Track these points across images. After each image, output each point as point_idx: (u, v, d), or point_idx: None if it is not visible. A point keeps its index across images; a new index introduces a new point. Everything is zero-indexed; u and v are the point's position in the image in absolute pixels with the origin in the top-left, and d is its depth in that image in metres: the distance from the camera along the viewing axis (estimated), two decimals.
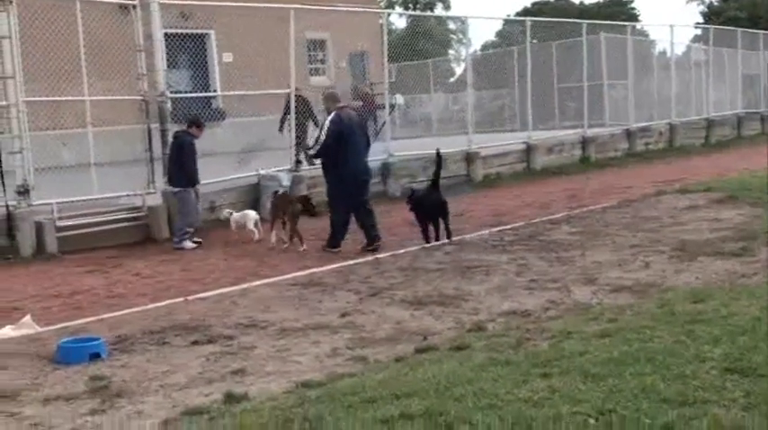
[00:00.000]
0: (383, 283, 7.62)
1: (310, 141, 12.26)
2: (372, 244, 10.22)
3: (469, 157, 17.47)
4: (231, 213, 11.72)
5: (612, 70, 22.71)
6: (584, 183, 16.30)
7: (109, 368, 5.35)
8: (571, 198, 14.11)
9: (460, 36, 45.40)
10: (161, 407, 4.55)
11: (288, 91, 14.61)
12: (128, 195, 12.15)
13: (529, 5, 49.35)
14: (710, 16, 46.61)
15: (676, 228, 9.53)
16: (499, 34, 45.37)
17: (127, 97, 12.77)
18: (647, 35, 28.73)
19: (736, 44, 27.53)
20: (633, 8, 53.73)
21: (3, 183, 11.11)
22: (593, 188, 15.32)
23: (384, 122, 17.70)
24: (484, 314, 6.31)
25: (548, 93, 23.78)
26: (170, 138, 11.98)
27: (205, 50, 20.90)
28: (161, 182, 12.08)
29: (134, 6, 12.13)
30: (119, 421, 4.36)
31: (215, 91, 19.99)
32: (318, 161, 11.04)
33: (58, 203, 11.27)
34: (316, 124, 14.65)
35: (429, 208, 10.30)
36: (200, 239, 11.48)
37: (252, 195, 13.40)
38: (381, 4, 33.50)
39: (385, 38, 16.80)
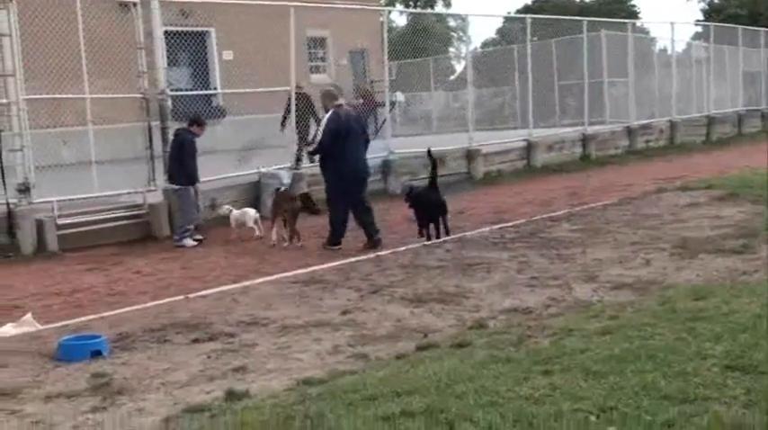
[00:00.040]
0: (384, 281, 7.62)
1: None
2: (372, 241, 10.23)
3: (470, 155, 17.48)
4: (231, 210, 11.72)
5: (613, 67, 22.71)
6: (584, 180, 16.31)
7: (110, 365, 5.35)
8: (572, 195, 14.12)
9: (461, 33, 45.48)
10: (162, 404, 4.55)
11: (288, 88, 14.61)
12: (128, 193, 12.16)
13: (529, 3, 49.31)
14: (711, 13, 46.58)
15: (677, 226, 9.53)
16: (499, 32, 45.41)
17: (127, 95, 12.78)
18: (647, 32, 28.69)
19: (737, 41, 27.53)
20: (633, 5, 53.71)
21: (3, 180, 11.12)
22: (593, 185, 15.32)
23: (384, 120, 17.70)
24: (485, 311, 6.31)
25: (548, 90, 23.77)
26: (170, 136, 11.99)
27: (205, 48, 20.90)
28: (162, 179, 12.09)
29: (134, 4, 12.12)
30: (120, 418, 4.36)
31: (215, 88, 19.99)
32: (318, 158, 11.05)
33: (58, 201, 11.28)
34: (317, 121, 14.66)
35: (428, 207, 10.35)
36: (202, 237, 11.49)
37: (252, 193, 13.41)
38: (382, 1, 33.44)
39: (385, 35, 16.79)
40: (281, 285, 7.75)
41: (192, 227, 11.39)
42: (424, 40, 24.26)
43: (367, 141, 10.86)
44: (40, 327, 6.60)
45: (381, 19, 18.56)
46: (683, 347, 4.63)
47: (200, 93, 18.15)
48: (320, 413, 3.97)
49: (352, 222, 10.48)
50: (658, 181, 14.61)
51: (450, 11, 54.84)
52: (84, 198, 11.68)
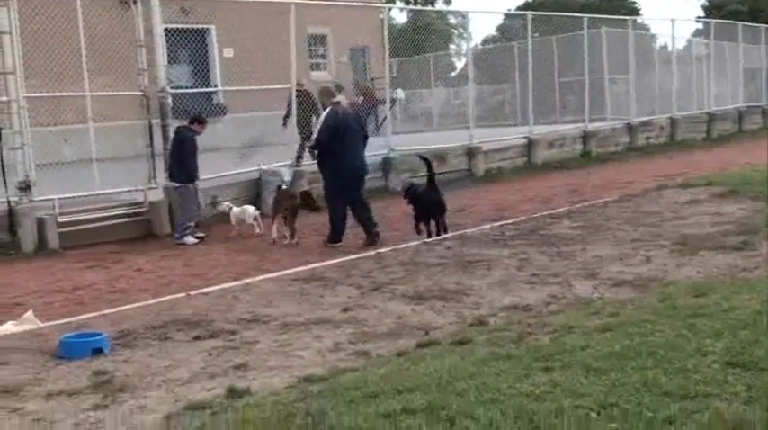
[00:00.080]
0: (384, 278, 7.63)
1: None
2: (371, 236, 10.25)
3: (471, 152, 17.48)
4: (231, 207, 11.72)
5: (614, 64, 22.70)
6: (585, 177, 16.29)
7: (111, 363, 5.36)
8: (572, 192, 14.12)
9: (461, 30, 45.41)
10: (163, 401, 4.56)
11: (289, 86, 14.61)
12: (129, 191, 12.17)
13: (530, 0, 49.26)
14: (711, 10, 46.51)
15: (677, 223, 9.53)
16: (500, 28, 45.41)
17: (128, 93, 12.78)
18: (648, 29, 28.73)
19: (738, 38, 27.52)
20: (634, 2, 53.61)
21: (4, 178, 11.12)
22: (594, 182, 15.31)
23: (385, 117, 17.70)
24: (485, 308, 6.31)
25: (549, 87, 23.76)
26: (171, 134, 11.99)
27: (206, 45, 20.89)
28: (162, 177, 12.10)
29: (134, 1, 12.12)
30: (121, 416, 4.36)
31: (216, 86, 19.98)
32: (315, 156, 11.05)
33: (59, 199, 11.28)
34: (318, 119, 14.66)
35: (426, 204, 10.38)
36: (204, 234, 11.49)
37: (253, 190, 13.41)
38: None
39: (386, 32, 16.78)
40: (282, 282, 7.76)
41: (192, 224, 11.39)
42: (424, 37, 24.24)
43: (365, 138, 10.84)
44: (42, 325, 6.61)
45: (382, 16, 18.55)
46: (684, 344, 4.63)
47: (201, 90, 18.14)
48: (321, 410, 3.98)
49: (351, 220, 10.49)
50: (659, 178, 14.61)
51: (451, 8, 54.73)
52: (85, 196, 11.68)
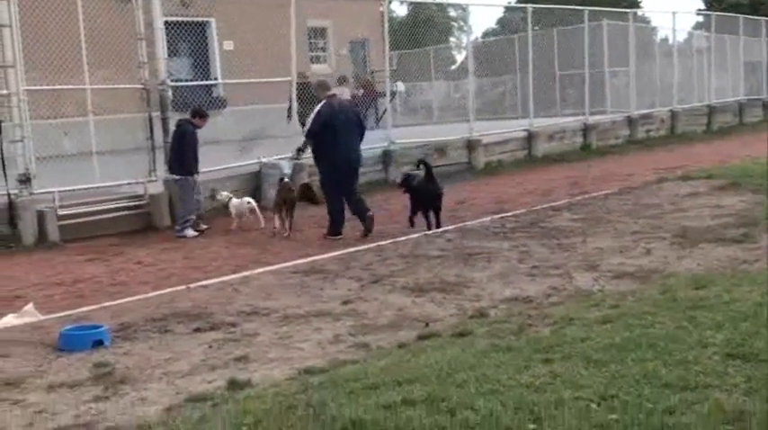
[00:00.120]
0: (385, 270, 7.63)
1: None
2: (366, 223, 10.30)
3: (471, 145, 17.46)
4: (230, 197, 11.72)
5: (614, 57, 22.67)
6: (585, 170, 16.28)
7: (112, 355, 5.37)
8: (572, 185, 14.11)
9: (461, 23, 45.36)
10: (164, 394, 4.56)
11: (289, 78, 14.59)
12: (129, 183, 12.16)
13: None
14: (712, 3, 46.33)
15: (678, 215, 9.53)
16: (500, 21, 45.32)
17: (128, 86, 12.76)
18: (648, 22, 28.64)
19: (738, 31, 27.48)
20: None
21: (4, 171, 11.12)
22: (594, 175, 15.30)
23: (385, 110, 17.68)
24: (486, 301, 6.32)
25: (549, 80, 23.73)
26: (171, 127, 11.98)
27: (206, 38, 20.85)
28: (162, 170, 12.09)
29: None
30: (122, 408, 4.37)
31: (216, 79, 19.96)
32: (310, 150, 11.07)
33: (59, 192, 11.27)
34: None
35: (424, 198, 10.40)
36: (206, 226, 11.50)
37: (253, 183, 13.41)
38: None
39: (386, 25, 16.76)
40: (282, 275, 7.76)
41: (192, 217, 11.39)
42: (424, 30, 24.22)
43: (362, 131, 10.81)
44: (42, 318, 6.61)
45: (382, 9, 18.52)
46: (684, 336, 4.64)
47: (201, 83, 18.12)
48: (322, 402, 3.98)
49: (348, 212, 10.50)
50: (659, 170, 14.60)
51: (451, 0, 54.72)
52: (85, 188, 11.68)
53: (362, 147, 11.06)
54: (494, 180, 16.08)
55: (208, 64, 20.15)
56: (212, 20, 20.69)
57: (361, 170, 11.17)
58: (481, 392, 3.97)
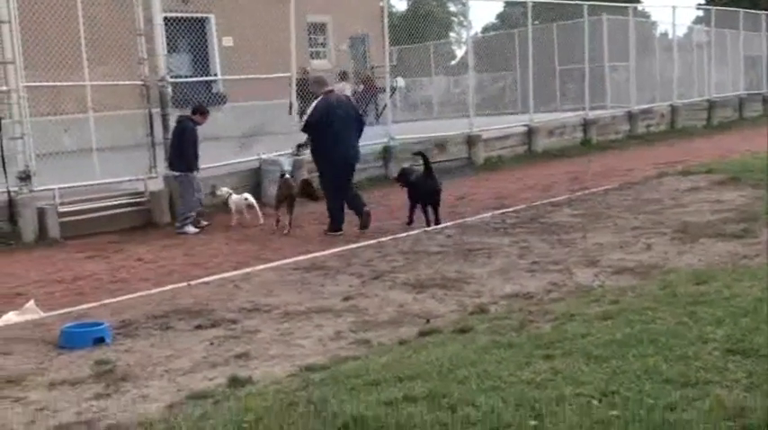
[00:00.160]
0: (385, 267, 7.63)
1: None
2: (363, 218, 10.32)
3: (471, 140, 17.45)
4: (230, 193, 11.72)
5: (614, 52, 22.65)
6: (585, 165, 16.28)
7: (113, 353, 5.37)
8: (573, 180, 14.11)
9: (461, 18, 45.33)
10: (166, 391, 4.57)
11: (289, 74, 14.57)
12: (129, 180, 12.15)
13: None
14: None
15: (678, 210, 9.53)
16: (500, 16, 45.31)
17: (128, 82, 12.75)
18: (648, 16, 28.68)
19: (738, 25, 27.45)
20: None
21: (4, 168, 11.11)
22: (594, 170, 15.30)
23: (385, 106, 17.67)
24: (486, 297, 6.32)
25: (549, 75, 23.73)
26: (171, 123, 11.98)
27: (205, 34, 20.85)
28: (162, 166, 12.09)
29: None
30: (124, 405, 4.38)
31: (215, 75, 19.95)
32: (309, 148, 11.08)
33: (59, 189, 11.26)
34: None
35: (423, 194, 10.40)
36: (207, 222, 11.50)
37: (253, 180, 13.40)
38: None
39: (386, 21, 16.74)
40: (283, 272, 7.76)
41: (193, 214, 11.39)
42: (424, 25, 24.20)
43: (361, 126, 10.80)
44: (43, 315, 6.62)
45: (382, 4, 18.49)
46: (685, 331, 4.64)
47: (201, 79, 18.11)
48: (323, 398, 3.99)
49: (347, 208, 10.51)
50: (659, 165, 14.59)
51: None
52: (86, 185, 11.67)
53: (362, 143, 11.06)
54: (494, 175, 16.07)
55: (207, 60, 20.15)
56: (211, 16, 20.68)
57: (362, 166, 11.17)
58: (482, 388, 3.97)
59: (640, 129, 22.41)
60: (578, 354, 4.37)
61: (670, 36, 26.17)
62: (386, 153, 15.58)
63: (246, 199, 11.58)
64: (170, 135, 11.91)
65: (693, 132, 23.21)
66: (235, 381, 4.56)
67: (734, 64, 27.72)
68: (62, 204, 11.18)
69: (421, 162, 10.82)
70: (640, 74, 23.60)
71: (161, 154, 12.13)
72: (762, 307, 4.96)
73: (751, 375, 3.92)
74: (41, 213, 10.93)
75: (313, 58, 23.72)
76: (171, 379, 4.79)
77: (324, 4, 22.45)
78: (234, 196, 11.66)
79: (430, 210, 10.36)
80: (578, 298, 5.95)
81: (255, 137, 14.32)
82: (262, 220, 11.43)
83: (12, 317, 6.55)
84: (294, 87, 14.52)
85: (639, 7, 30.44)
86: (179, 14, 15.71)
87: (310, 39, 23.91)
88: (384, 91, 17.97)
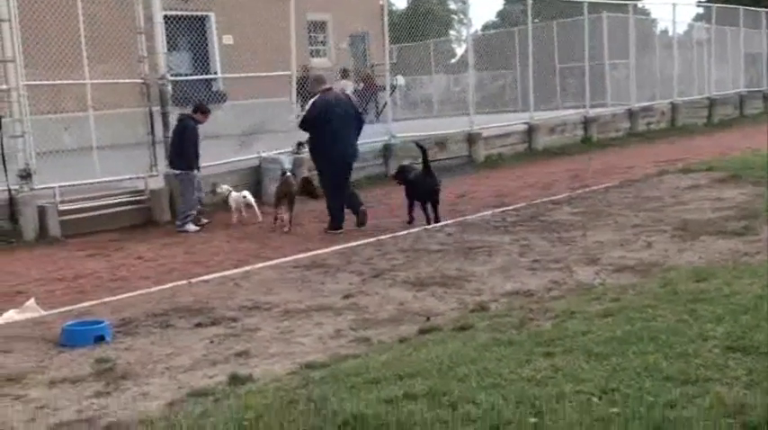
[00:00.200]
0: (385, 265, 7.63)
1: None
2: (359, 216, 10.35)
3: (471, 138, 17.45)
4: (230, 191, 11.73)
5: (614, 49, 22.64)
6: (586, 163, 16.27)
7: (114, 351, 5.37)
8: (573, 178, 14.11)
9: (461, 16, 45.28)
10: (166, 389, 4.57)
11: (289, 72, 14.57)
12: (130, 178, 12.15)
13: None
14: None
15: (678, 208, 9.53)
16: (500, 14, 45.28)
17: (128, 80, 12.75)
18: (648, 14, 28.62)
19: (739, 22, 27.43)
20: None
21: (5, 167, 11.11)
22: (595, 168, 15.30)
23: (385, 104, 17.67)
24: (487, 294, 6.32)
25: (549, 73, 23.71)
26: (171, 121, 11.98)
27: (205, 32, 20.84)
28: (163, 165, 12.09)
29: None
30: (124, 403, 4.38)
31: (215, 73, 19.95)
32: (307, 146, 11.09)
33: (60, 187, 11.26)
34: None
35: (421, 191, 10.40)
36: (208, 220, 11.51)
37: (253, 178, 13.40)
38: None
39: (386, 19, 16.73)
40: (283, 270, 7.76)
41: (193, 212, 11.39)
42: (424, 23, 24.18)
43: (360, 124, 10.79)
44: (44, 313, 6.62)
45: (382, 2, 18.47)
46: (685, 329, 4.64)
47: (201, 77, 18.09)
48: (323, 396, 3.99)
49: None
50: (660, 163, 14.59)
51: None
52: (86, 184, 11.67)
53: (363, 141, 11.06)
54: (494, 173, 16.07)
55: (207, 58, 20.13)
56: (211, 14, 20.67)
57: (362, 164, 11.16)
58: (482, 386, 3.97)
59: (641, 126, 22.41)
60: (579, 352, 4.38)
61: (670, 33, 26.16)
62: (386, 151, 15.58)
63: (245, 197, 11.58)
64: (170, 133, 11.91)
65: (694, 130, 23.20)
66: (235, 379, 4.56)
67: (734, 61, 27.70)
68: (62, 202, 11.18)
69: (420, 160, 10.82)
70: (641, 71, 23.58)
71: (161, 152, 12.13)
72: (762, 304, 4.96)
73: (751, 372, 3.92)
74: (42, 211, 10.93)
75: (313, 57, 23.70)
76: (171, 376, 4.79)
77: (324, 2, 22.44)
78: (234, 194, 11.67)
79: (429, 208, 10.36)
80: (579, 295, 5.95)
81: (255, 135, 14.32)
82: (260, 218, 11.44)
83: (12, 315, 6.56)
84: (294, 85, 14.51)
85: (639, 5, 30.34)
86: (179, 12, 15.69)
87: (310, 37, 23.90)
88: (384, 89, 17.96)
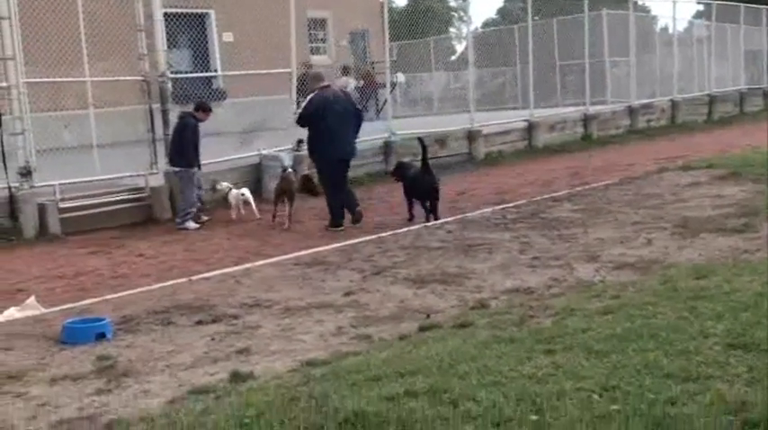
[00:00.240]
0: (386, 262, 7.64)
1: None
2: (354, 216, 10.37)
3: (471, 136, 17.44)
4: (230, 188, 11.74)
5: (614, 47, 22.62)
6: (586, 160, 16.28)
7: (115, 348, 5.38)
8: (573, 175, 14.11)
9: (461, 13, 45.28)
10: (167, 386, 4.58)
11: (289, 70, 14.56)
12: (130, 176, 12.15)
13: None
14: None
15: (679, 205, 9.53)
16: (500, 11, 45.32)
17: (128, 78, 12.74)
18: (649, 11, 28.58)
19: (739, 20, 27.40)
20: None
21: (5, 164, 11.11)
22: (595, 165, 15.30)
23: (385, 101, 17.66)
24: (487, 292, 6.33)
25: (549, 70, 23.70)
26: (171, 118, 11.97)
27: (205, 30, 20.82)
28: (163, 162, 12.08)
29: None
30: (125, 400, 4.39)
31: (215, 71, 19.93)
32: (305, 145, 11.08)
33: (60, 185, 11.26)
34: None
35: (421, 190, 10.41)
36: (208, 217, 11.51)
37: (253, 175, 13.40)
38: None
39: (386, 16, 16.72)
40: (284, 267, 7.77)
41: (193, 209, 11.39)
42: (424, 21, 24.17)
43: (359, 121, 10.79)
44: (44, 311, 6.63)
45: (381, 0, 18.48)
46: (685, 326, 4.64)
47: (201, 75, 18.09)
48: (324, 393, 3.99)
49: None
50: (660, 160, 14.59)
51: None
52: (86, 181, 11.67)
53: (363, 138, 11.07)
54: (494, 171, 16.06)
55: (207, 56, 20.10)
56: (211, 11, 20.65)
57: (362, 161, 11.16)
58: (483, 383, 3.98)
59: (641, 124, 22.40)
60: (579, 349, 4.38)
61: (670, 31, 26.16)
62: (386, 148, 15.57)
63: (243, 194, 11.59)
64: (170, 131, 11.90)
65: (694, 127, 23.19)
66: (236, 376, 4.56)
67: (734, 58, 27.68)
68: (63, 200, 11.18)
69: (419, 158, 10.82)
70: (641, 69, 23.56)
71: (161, 150, 12.13)
72: (762, 301, 4.96)
73: (752, 370, 3.92)
74: (42, 209, 10.93)
75: (313, 54, 23.67)
76: (172, 374, 4.80)
77: (324, 0, 22.41)
78: (233, 191, 11.68)
79: (428, 204, 10.36)
80: (579, 293, 5.95)
81: (256, 132, 14.32)
82: (258, 215, 11.44)
83: (13, 312, 6.56)
84: (295, 82, 14.51)
85: (639, 2, 30.34)
86: (179, 10, 15.68)
87: (310, 34, 23.87)
88: (384, 86, 17.95)
